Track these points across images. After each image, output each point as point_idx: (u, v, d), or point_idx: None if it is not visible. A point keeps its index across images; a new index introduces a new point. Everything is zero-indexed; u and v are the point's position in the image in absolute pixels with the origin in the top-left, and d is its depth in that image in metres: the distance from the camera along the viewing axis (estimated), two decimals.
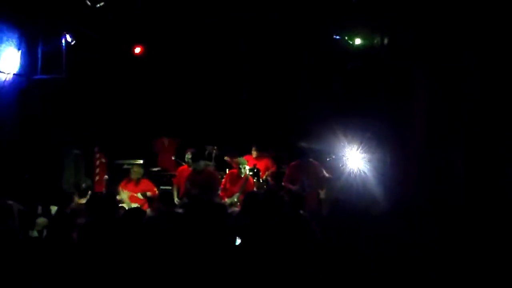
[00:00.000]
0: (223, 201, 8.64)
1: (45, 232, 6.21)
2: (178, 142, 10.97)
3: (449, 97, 7.79)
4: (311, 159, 9.01)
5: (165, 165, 10.76)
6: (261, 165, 10.03)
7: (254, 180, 9.54)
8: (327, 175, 8.90)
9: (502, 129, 6.47)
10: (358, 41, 10.15)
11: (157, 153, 11.10)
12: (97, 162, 10.30)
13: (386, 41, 9.57)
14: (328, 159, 9.74)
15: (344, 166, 9.67)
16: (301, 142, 9.52)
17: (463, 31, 7.41)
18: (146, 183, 8.95)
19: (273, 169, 10.15)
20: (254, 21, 10.31)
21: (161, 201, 6.94)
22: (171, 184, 9.68)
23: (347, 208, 6.56)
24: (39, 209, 7.87)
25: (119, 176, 9.42)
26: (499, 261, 5.41)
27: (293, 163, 9.11)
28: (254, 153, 10.22)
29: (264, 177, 9.87)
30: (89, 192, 7.26)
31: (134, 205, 8.38)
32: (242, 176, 8.98)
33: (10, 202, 6.64)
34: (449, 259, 5.37)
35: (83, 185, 7.28)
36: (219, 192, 8.87)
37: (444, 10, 7.76)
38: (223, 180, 9.26)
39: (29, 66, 9.22)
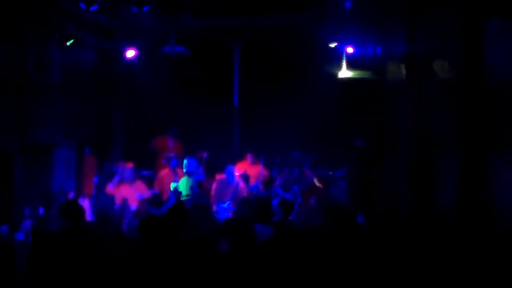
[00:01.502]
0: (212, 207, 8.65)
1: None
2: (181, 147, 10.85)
3: (438, 110, 7.77)
4: (303, 167, 9.10)
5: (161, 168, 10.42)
6: (252, 172, 10.01)
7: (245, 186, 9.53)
8: (318, 183, 8.98)
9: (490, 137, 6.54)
10: (350, 50, 10.20)
11: (155, 153, 10.85)
12: (88, 164, 10.24)
13: (378, 50, 9.53)
14: (320, 167, 9.83)
15: (336, 174, 9.83)
16: (294, 150, 9.60)
17: (454, 40, 7.50)
18: (140, 185, 8.95)
19: (264, 176, 10.13)
20: (248, 27, 10.36)
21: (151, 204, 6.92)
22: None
23: (340, 215, 6.45)
24: (27, 211, 7.88)
25: (110, 178, 9.37)
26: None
27: (284, 171, 9.23)
28: (249, 160, 10.20)
29: (253, 183, 9.83)
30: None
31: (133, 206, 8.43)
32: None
33: None
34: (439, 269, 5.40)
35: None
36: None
37: (437, 21, 7.80)
38: (213, 186, 9.27)
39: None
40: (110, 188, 8.94)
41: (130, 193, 8.80)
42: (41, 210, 7.42)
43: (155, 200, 7.70)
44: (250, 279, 4.63)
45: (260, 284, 4.62)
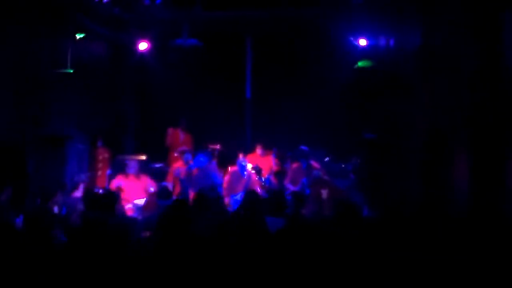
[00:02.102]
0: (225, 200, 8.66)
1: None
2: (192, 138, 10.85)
3: (452, 104, 7.74)
4: (312, 161, 9.17)
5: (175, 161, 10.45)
6: (264, 164, 10.02)
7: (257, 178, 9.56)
8: (326, 176, 9.02)
9: (507, 135, 6.44)
10: (363, 42, 10.15)
11: (168, 146, 10.85)
12: (100, 157, 10.24)
13: (391, 43, 9.53)
14: (326, 159, 9.83)
15: (347, 167, 9.81)
16: (303, 143, 9.60)
17: (468, 35, 7.42)
18: (145, 179, 8.93)
19: (276, 168, 10.14)
20: (260, 18, 10.32)
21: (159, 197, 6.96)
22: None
23: (350, 209, 6.43)
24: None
25: (122, 171, 9.33)
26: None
27: (294, 164, 9.29)
28: (258, 152, 10.19)
29: (266, 176, 9.87)
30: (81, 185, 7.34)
31: (140, 200, 8.32)
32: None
33: None
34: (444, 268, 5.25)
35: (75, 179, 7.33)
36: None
37: (451, 14, 7.72)
38: (225, 178, 9.29)
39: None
40: (115, 182, 8.86)
41: (136, 187, 8.75)
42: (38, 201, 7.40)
43: (163, 192, 7.72)
44: (261, 271, 4.64)
45: (270, 277, 4.61)
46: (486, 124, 6.73)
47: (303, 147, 9.49)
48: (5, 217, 6.19)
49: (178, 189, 9.04)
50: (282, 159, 10.32)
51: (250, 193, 6.49)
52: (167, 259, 4.67)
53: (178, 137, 10.82)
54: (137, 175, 8.92)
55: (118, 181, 8.79)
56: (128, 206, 8.08)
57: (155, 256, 4.77)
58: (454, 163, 7.42)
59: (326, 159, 9.87)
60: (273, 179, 9.77)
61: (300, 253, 4.87)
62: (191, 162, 9.31)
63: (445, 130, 7.71)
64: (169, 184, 9.13)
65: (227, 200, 8.81)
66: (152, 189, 8.66)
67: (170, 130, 10.85)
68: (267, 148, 10.34)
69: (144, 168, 9.78)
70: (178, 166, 9.47)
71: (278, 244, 5.05)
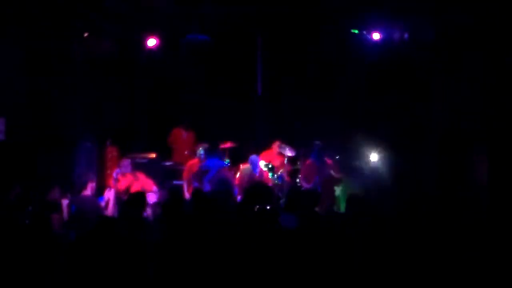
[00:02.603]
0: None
1: None
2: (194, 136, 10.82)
3: (471, 98, 7.80)
4: (325, 158, 9.19)
5: (180, 159, 10.50)
6: (277, 161, 9.88)
7: (269, 176, 9.47)
8: (338, 174, 9.10)
9: None
10: (376, 36, 10.06)
11: (171, 145, 10.85)
12: (109, 156, 10.20)
13: (406, 36, 9.55)
14: (337, 157, 9.77)
15: (359, 164, 9.71)
16: (316, 140, 9.52)
17: (486, 27, 7.24)
18: (142, 177, 8.86)
19: (289, 166, 10.00)
20: (271, 13, 10.19)
21: (171, 197, 6.94)
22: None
23: (364, 205, 6.49)
24: None
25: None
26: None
27: (308, 161, 9.29)
28: (275, 150, 10.02)
29: (278, 173, 9.70)
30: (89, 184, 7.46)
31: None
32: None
33: None
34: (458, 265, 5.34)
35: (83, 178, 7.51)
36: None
37: (468, 6, 7.61)
38: (238, 177, 9.23)
39: None
40: (113, 184, 8.70)
41: (136, 185, 8.63)
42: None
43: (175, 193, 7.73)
44: (274, 268, 4.73)
45: (283, 274, 4.70)
46: (508, 122, 6.61)
47: (316, 143, 9.41)
48: (13, 215, 6.22)
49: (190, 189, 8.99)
50: (295, 157, 10.16)
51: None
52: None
53: (181, 135, 10.82)
54: (134, 174, 8.83)
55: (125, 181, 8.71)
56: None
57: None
58: (473, 161, 7.54)
59: (337, 157, 9.78)
60: (286, 177, 9.66)
61: (314, 250, 4.95)
62: (204, 161, 9.25)
63: (464, 128, 7.80)
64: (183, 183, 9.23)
65: (239, 199, 8.61)
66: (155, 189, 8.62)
67: (173, 129, 10.86)
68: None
69: (155, 167, 9.81)
70: (194, 163, 9.40)
71: (291, 241, 5.09)
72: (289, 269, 4.78)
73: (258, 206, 5.74)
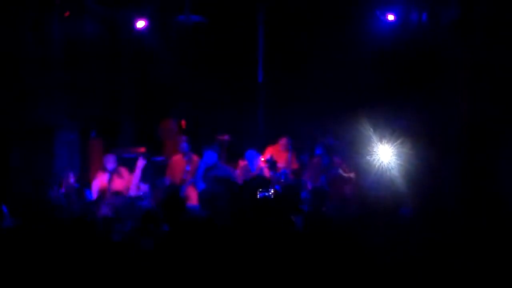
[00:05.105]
0: None
1: None
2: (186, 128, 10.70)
3: (499, 88, 7.50)
4: (332, 156, 9.06)
5: (172, 153, 10.16)
6: (281, 158, 9.57)
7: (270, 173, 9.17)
8: (348, 173, 8.91)
9: None
10: (391, 17, 9.68)
11: (162, 139, 10.60)
12: (93, 149, 9.92)
13: (424, 17, 9.15)
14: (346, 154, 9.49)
15: (371, 161, 9.06)
16: (324, 136, 9.39)
17: None
18: (125, 172, 8.72)
19: (294, 163, 9.69)
20: None
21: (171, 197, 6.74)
22: None
23: (375, 206, 6.62)
24: None
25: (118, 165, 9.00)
26: None
27: (314, 159, 9.25)
28: (282, 145, 9.71)
29: (281, 170, 9.41)
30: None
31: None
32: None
33: None
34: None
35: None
36: None
37: None
38: (237, 172, 9.07)
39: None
40: (98, 181, 8.67)
41: (118, 185, 8.54)
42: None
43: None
44: (279, 269, 4.66)
45: (289, 275, 4.64)
46: None
47: (326, 140, 9.25)
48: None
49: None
50: (298, 151, 9.90)
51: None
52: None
53: (172, 128, 10.64)
54: (118, 172, 8.68)
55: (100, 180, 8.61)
56: None
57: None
58: (499, 157, 7.29)
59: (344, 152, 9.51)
60: (289, 174, 9.33)
61: (322, 252, 4.88)
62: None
63: (489, 120, 7.53)
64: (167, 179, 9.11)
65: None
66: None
67: (164, 121, 10.63)
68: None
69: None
70: (177, 158, 9.28)
71: (298, 242, 5.09)
72: (292, 273, 4.68)
73: (260, 190, 5.74)
